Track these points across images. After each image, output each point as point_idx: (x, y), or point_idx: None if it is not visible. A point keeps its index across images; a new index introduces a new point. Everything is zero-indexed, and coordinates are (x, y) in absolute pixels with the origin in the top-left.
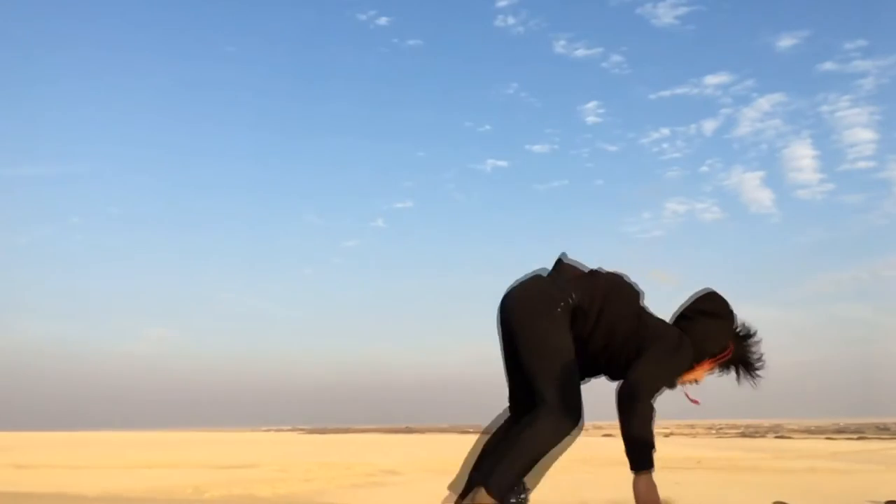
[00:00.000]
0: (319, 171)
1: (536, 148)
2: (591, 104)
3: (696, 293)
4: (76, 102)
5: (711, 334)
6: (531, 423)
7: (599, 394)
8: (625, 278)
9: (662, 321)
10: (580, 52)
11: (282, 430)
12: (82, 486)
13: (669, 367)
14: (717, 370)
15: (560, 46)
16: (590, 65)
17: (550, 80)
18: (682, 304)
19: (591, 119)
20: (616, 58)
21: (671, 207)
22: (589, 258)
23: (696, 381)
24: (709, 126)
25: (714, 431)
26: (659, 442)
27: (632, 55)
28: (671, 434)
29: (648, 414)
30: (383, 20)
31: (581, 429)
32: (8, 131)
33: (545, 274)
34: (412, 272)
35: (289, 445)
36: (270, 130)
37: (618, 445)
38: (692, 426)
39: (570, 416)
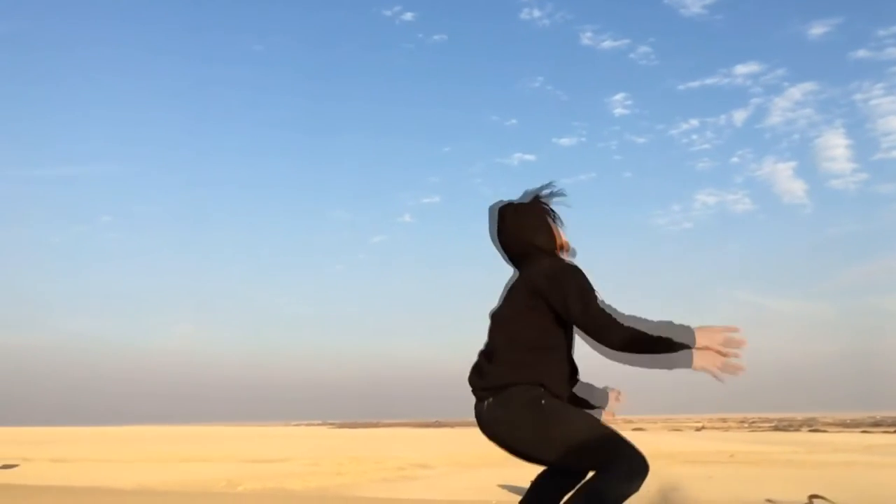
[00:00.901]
0: (347, 168)
1: (564, 141)
2: (619, 96)
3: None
4: (105, 103)
5: (538, 233)
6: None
7: (625, 386)
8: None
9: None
10: (607, 44)
11: (312, 425)
12: (118, 480)
13: (581, 281)
14: (558, 229)
15: (586, 38)
16: (617, 56)
17: (577, 73)
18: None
19: (618, 111)
20: (644, 49)
21: (701, 199)
22: (617, 252)
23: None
24: (739, 116)
25: (747, 425)
26: (690, 436)
27: (660, 46)
28: (703, 428)
29: (616, 322)
30: (408, 16)
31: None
32: (40, 133)
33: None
34: (440, 266)
35: (319, 440)
36: (297, 128)
37: (650, 439)
38: (724, 420)
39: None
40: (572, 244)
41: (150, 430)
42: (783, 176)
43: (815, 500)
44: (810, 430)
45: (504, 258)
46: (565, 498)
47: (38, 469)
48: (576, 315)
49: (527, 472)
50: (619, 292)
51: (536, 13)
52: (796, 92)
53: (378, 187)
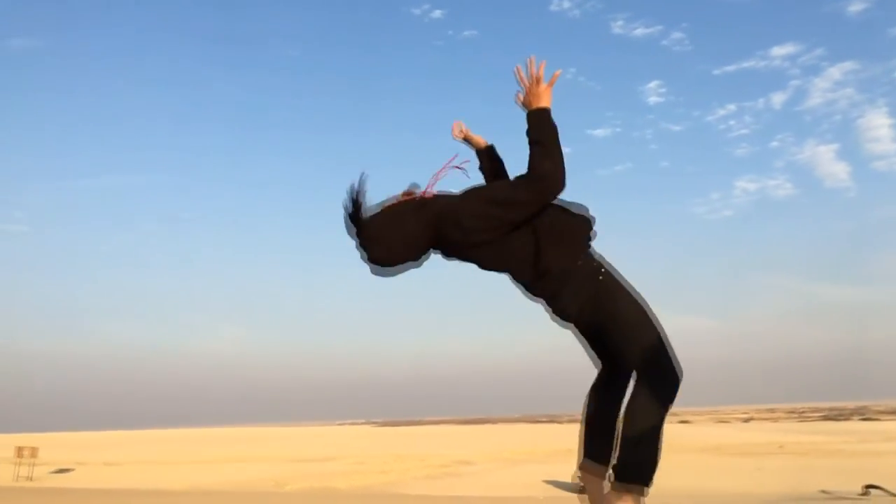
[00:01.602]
0: (381, 167)
1: (598, 132)
2: (653, 84)
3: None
4: (147, 113)
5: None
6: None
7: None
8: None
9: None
10: (639, 32)
11: (356, 424)
12: (169, 482)
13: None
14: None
15: (618, 27)
16: (649, 44)
17: (609, 63)
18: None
19: (653, 99)
20: (677, 35)
21: (741, 186)
22: (656, 242)
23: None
24: (778, 99)
25: (796, 415)
26: (738, 428)
27: (693, 31)
28: (751, 419)
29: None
30: (437, 13)
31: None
32: (86, 144)
33: None
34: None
35: (364, 439)
36: (333, 130)
37: (696, 432)
38: (772, 410)
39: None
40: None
41: (198, 433)
42: (825, 159)
43: (870, 490)
44: (862, 419)
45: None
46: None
47: (92, 473)
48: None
49: (572, 468)
50: (659, 283)
51: (566, 4)
52: (836, 72)
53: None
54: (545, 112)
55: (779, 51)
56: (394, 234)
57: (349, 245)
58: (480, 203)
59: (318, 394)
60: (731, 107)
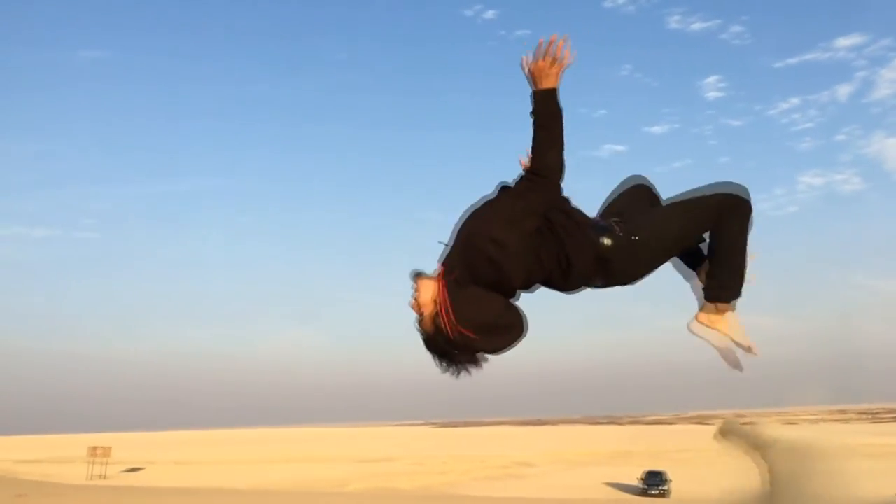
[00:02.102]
0: (435, 169)
1: (655, 129)
2: (712, 79)
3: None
4: (202, 118)
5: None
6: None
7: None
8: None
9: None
10: (696, 26)
11: (415, 425)
12: (236, 481)
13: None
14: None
15: (674, 22)
16: (707, 38)
17: (666, 58)
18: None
19: (712, 94)
20: (736, 28)
21: (806, 181)
22: None
23: None
24: (843, 91)
25: (869, 417)
26: (807, 430)
27: (753, 24)
28: (820, 421)
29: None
30: (490, 14)
31: None
32: (149, 152)
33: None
34: None
35: (423, 439)
36: (385, 131)
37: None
38: (843, 411)
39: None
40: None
41: (263, 432)
42: (895, 151)
43: None
44: None
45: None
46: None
47: (162, 471)
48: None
49: (633, 470)
50: None
51: (620, 0)
52: None
53: (468, 186)
54: (554, 93)
55: (843, 42)
56: (489, 325)
57: (404, 244)
58: (503, 230)
59: (377, 394)
60: (795, 100)
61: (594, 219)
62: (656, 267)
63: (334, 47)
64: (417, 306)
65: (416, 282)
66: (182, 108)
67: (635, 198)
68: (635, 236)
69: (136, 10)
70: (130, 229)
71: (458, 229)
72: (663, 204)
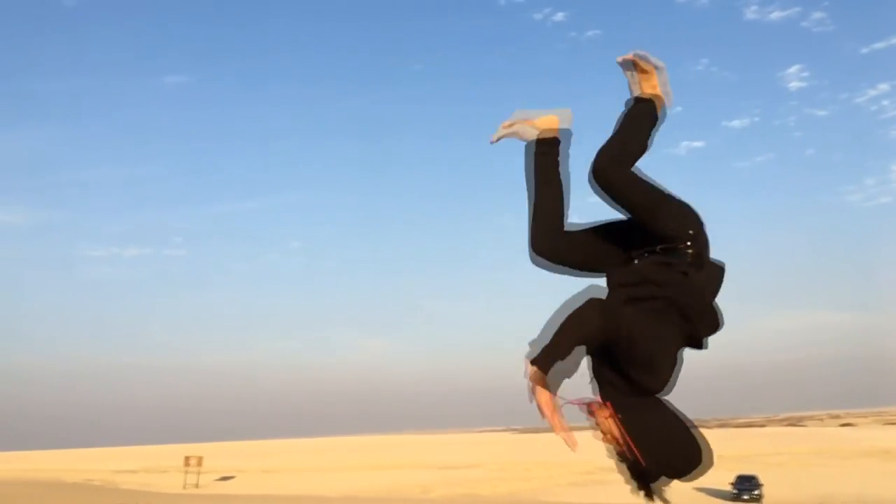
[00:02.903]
0: (512, 171)
1: (735, 123)
2: (794, 68)
3: None
4: (281, 137)
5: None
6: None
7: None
8: None
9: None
10: (775, 15)
11: (496, 431)
12: (324, 488)
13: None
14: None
15: (751, 12)
16: (788, 27)
17: (744, 50)
18: None
19: (794, 84)
20: (817, 14)
21: None
22: (806, 235)
23: None
24: None
25: None
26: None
27: (835, 9)
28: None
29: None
30: (559, 16)
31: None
32: (231, 171)
33: None
34: None
35: (504, 445)
36: (462, 138)
37: (859, 435)
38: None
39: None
40: None
41: (348, 441)
42: None
43: None
44: None
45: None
46: None
47: (251, 480)
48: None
49: (724, 475)
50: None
51: None
52: None
53: None
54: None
55: None
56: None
57: (479, 250)
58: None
59: (458, 401)
60: (884, 86)
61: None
62: None
63: (409, 59)
64: (611, 438)
65: (592, 410)
66: (261, 129)
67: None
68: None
69: (218, 35)
70: (216, 245)
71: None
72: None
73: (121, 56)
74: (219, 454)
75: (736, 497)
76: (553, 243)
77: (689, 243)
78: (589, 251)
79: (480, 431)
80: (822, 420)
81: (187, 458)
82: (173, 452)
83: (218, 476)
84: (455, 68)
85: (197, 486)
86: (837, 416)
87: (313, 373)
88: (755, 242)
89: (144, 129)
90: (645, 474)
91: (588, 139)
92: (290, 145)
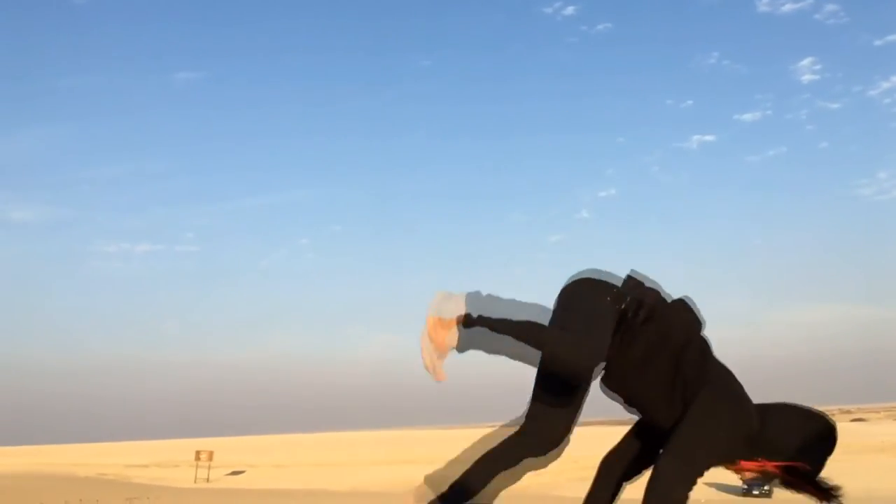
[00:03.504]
0: (520, 170)
1: (746, 117)
2: (806, 61)
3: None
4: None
5: (803, 437)
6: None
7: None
8: (686, 302)
9: (727, 370)
10: (787, 8)
11: (508, 426)
12: (332, 483)
13: (725, 427)
14: (768, 477)
15: (764, 5)
16: (800, 19)
17: (756, 43)
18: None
19: (806, 77)
20: (830, 6)
21: None
22: (819, 230)
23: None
24: None
25: None
26: (887, 425)
27: (849, 1)
28: None
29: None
30: (570, 10)
31: (556, 447)
32: (243, 168)
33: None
34: (621, 261)
35: None
36: (470, 135)
37: (871, 430)
38: None
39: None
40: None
41: (359, 435)
42: None
43: None
44: None
45: None
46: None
47: (262, 474)
48: (674, 438)
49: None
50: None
51: None
52: None
53: (553, 185)
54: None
55: None
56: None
57: (489, 246)
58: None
59: (463, 396)
60: None
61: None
62: None
63: (418, 56)
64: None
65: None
66: (270, 125)
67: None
68: None
69: (228, 32)
70: (228, 242)
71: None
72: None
73: (131, 53)
74: (230, 449)
75: (746, 493)
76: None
77: (633, 310)
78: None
79: (492, 426)
80: (833, 415)
81: (198, 453)
82: (184, 447)
83: (229, 471)
84: (464, 64)
85: (208, 480)
86: (849, 412)
87: (323, 368)
88: (766, 237)
89: (155, 126)
90: (811, 476)
91: (596, 136)
92: (298, 142)
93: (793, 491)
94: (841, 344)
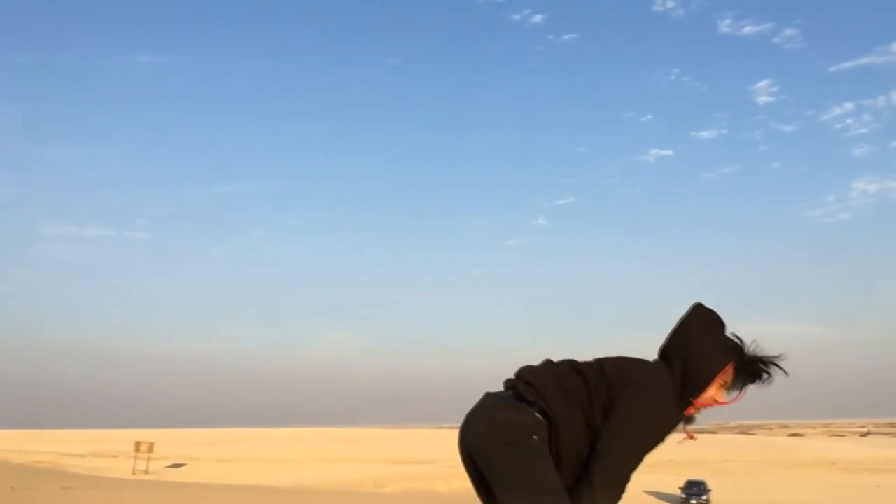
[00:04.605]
0: (481, 173)
1: (703, 134)
2: (763, 83)
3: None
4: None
5: (705, 354)
6: None
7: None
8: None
9: (638, 361)
10: (748, 30)
11: (453, 428)
12: (276, 479)
13: (644, 435)
14: (731, 389)
15: (725, 26)
16: (759, 42)
17: (716, 62)
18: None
19: (762, 99)
20: (789, 31)
21: (859, 187)
22: (768, 248)
23: (715, 402)
24: None
25: None
26: (855, 442)
27: (807, 27)
28: (869, 433)
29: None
30: (538, 18)
31: None
32: (198, 153)
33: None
34: (575, 269)
35: None
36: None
37: (807, 445)
38: (893, 425)
39: None
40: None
41: (304, 432)
42: None
43: None
44: None
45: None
46: None
47: (203, 468)
48: (597, 449)
49: (675, 479)
50: (769, 289)
51: (670, 4)
52: None
53: (512, 190)
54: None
55: None
56: None
57: (448, 248)
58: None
59: (417, 395)
60: (849, 105)
61: None
62: None
63: (387, 52)
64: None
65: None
66: (234, 113)
67: None
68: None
69: (193, 16)
70: (180, 230)
71: None
72: None
73: (92, 33)
74: (171, 441)
75: (685, 501)
76: None
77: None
78: None
79: (438, 427)
80: (771, 429)
81: (138, 444)
82: (124, 437)
83: (169, 463)
84: (431, 64)
85: (147, 472)
86: (787, 426)
87: (273, 362)
88: (717, 252)
89: (113, 109)
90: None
91: (559, 138)
92: (259, 134)
93: (757, 383)
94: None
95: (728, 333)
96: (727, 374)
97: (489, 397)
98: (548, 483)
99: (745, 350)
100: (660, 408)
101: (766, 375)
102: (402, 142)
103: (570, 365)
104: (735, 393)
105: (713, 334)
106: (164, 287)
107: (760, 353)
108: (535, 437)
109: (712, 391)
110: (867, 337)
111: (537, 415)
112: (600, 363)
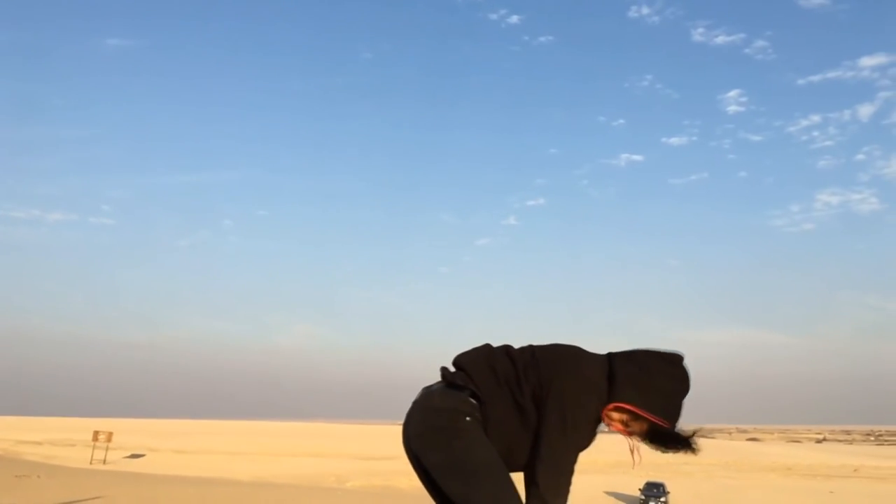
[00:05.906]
0: (453, 171)
1: (673, 140)
2: (733, 93)
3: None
4: (226, 112)
5: (647, 388)
6: None
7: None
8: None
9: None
10: (720, 39)
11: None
12: (236, 472)
13: (576, 424)
14: (631, 431)
15: (698, 34)
16: (731, 52)
17: (688, 70)
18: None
19: (732, 108)
20: (760, 43)
21: (823, 199)
22: (732, 256)
23: (611, 424)
24: (865, 111)
25: (873, 438)
26: (810, 448)
27: (778, 39)
28: (824, 440)
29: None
30: (514, 18)
31: None
32: (165, 142)
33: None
34: (544, 269)
35: None
36: (406, 131)
37: (764, 450)
38: (848, 432)
39: None
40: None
41: (266, 425)
42: None
43: None
44: None
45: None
46: None
47: (162, 459)
48: (535, 447)
49: (634, 481)
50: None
51: (645, 10)
52: None
53: (484, 190)
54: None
55: (868, 61)
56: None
57: (417, 245)
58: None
59: (380, 391)
60: (816, 118)
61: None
62: None
63: (361, 47)
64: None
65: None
66: (206, 101)
67: None
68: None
69: (165, 1)
70: (147, 218)
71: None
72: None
73: (59, 14)
74: (131, 431)
75: (643, 502)
76: None
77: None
78: None
79: (397, 423)
80: (730, 434)
81: (96, 433)
82: (82, 426)
83: (128, 453)
84: (406, 60)
85: (104, 462)
86: (745, 431)
87: (238, 355)
88: (683, 258)
89: (79, 91)
90: (669, 433)
91: (533, 139)
92: (230, 123)
93: (661, 449)
94: (743, 366)
95: (681, 401)
96: (642, 421)
97: (423, 390)
98: (485, 462)
99: (673, 422)
100: (588, 398)
101: (661, 450)
102: (374, 138)
103: (504, 350)
104: (632, 436)
105: (671, 385)
106: (127, 274)
107: (679, 432)
108: (467, 418)
109: (617, 415)
110: (825, 346)
111: (469, 398)
112: (532, 349)
